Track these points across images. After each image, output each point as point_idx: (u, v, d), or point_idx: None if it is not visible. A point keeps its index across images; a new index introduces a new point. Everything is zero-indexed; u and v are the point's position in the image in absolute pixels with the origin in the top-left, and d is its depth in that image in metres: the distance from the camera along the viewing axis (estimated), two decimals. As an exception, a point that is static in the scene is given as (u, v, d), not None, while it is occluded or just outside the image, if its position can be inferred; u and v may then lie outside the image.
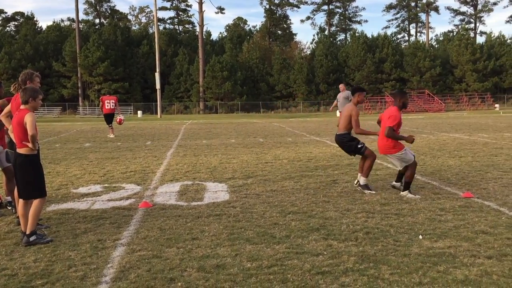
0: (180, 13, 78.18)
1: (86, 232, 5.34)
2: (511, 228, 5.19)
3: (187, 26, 79.09)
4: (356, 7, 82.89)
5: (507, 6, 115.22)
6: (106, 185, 8.31)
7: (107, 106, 19.26)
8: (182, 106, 60.36)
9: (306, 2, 78.37)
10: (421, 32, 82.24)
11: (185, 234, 5.20)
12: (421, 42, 68.46)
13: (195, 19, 70.27)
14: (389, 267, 4.09)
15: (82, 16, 73.00)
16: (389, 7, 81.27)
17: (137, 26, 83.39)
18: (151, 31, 72.08)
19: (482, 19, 78.74)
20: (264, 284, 3.78)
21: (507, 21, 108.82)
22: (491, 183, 7.82)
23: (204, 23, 61.94)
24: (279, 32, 76.73)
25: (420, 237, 4.94)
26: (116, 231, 5.34)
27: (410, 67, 60.17)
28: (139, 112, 52.18)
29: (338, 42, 74.69)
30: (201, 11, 61.14)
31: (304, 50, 73.76)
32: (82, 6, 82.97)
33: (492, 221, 5.49)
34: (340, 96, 18.08)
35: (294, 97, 61.33)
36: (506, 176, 8.41)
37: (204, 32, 64.56)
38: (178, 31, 76.28)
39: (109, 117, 19.24)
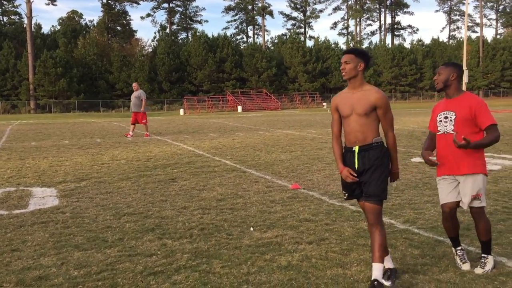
0: (4, 2, 70.44)
1: None
2: (330, 214, 5.74)
3: (13, 17, 71.59)
4: (197, 6, 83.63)
5: (331, 14, 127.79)
6: None
7: None
8: (9, 105, 54.44)
9: (146, -1, 76.90)
10: (258, 34, 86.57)
11: (4, 246, 4.69)
12: (258, 44, 72.05)
13: (22, 10, 64.13)
14: (220, 260, 4.21)
15: None
16: (228, 9, 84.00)
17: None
18: (-32, 20, 63.65)
19: (310, 24, 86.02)
20: (92, 291, 3.59)
21: (331, 27, 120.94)
22: (316, 174, 8.57)
23: (33, 15, 56.77)
24: (119, 28, 73.86)
25: (251, 229, 5.19)
26: None
27: (249, 67, 62.92)
28: (-45, 112, 45.74)
29: (180, 41, 74.70)
30: (28, 1, 55.89)
31: (146, 48, 72.19)
32: None
33: (314, 209, 6.01)
34: (133, 95, 17.88)
35: (136, 96, 59.61)
36: (328, 167, 9.29)
37: (33, 25, 59.16)
38: (2, 22, 68.63)
39: None
